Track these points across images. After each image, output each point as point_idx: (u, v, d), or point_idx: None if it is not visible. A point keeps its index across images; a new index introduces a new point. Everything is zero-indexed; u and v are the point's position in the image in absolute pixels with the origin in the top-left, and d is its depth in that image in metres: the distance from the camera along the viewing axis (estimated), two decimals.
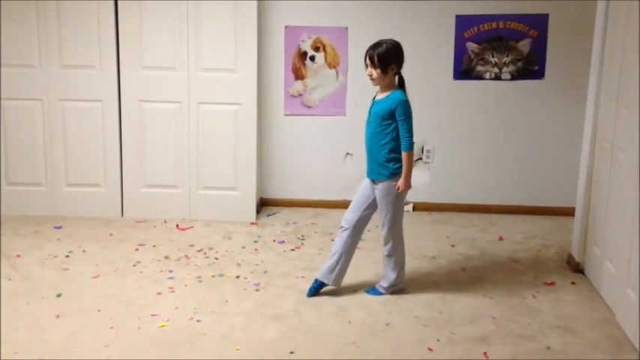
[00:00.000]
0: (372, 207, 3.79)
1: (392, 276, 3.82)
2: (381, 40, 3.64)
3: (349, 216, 3.81)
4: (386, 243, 3.79)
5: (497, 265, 4.35)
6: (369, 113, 3.73)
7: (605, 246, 3.84)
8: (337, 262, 3.80)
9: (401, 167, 3.66)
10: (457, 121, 5.38)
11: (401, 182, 3.66)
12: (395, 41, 3.65)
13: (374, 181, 3.74)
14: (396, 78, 3.69)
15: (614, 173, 3.76)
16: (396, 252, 3.80)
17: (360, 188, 3.84)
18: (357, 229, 3.81)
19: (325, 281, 3.82)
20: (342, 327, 3.46)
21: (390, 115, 3.61)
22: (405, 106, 3.61)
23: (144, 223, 5.03)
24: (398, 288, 3.87)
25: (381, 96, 3.69)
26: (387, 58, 3.58)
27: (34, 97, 5.01)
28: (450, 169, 5.45)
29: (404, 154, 3.64)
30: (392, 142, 3.64)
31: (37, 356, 3.10)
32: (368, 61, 3.62)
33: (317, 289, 3.84)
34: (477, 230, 5.06)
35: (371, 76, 3.64)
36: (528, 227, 5.13)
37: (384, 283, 3.85)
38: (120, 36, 4.93)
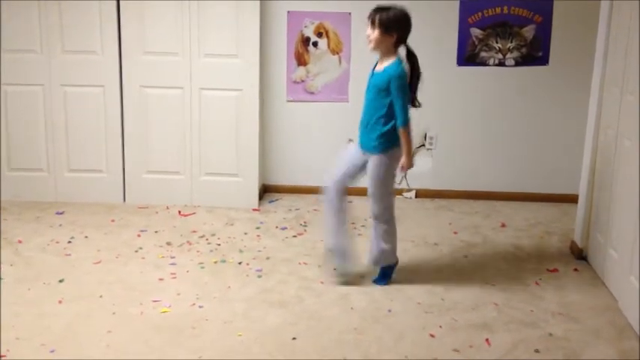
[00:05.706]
0: (357, 175, 3.72)
1: (383, 245, 3.72)
2: (390, 5, 3.55)
3: (333, 187, 3.69)
4: (376, 216, 3.70)
5: (499, 252, 4.35)
6: (368, 84, 3.65)
7: (608, 233, 3.83)
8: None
9: (395, 142, 3.57)
10: (460, 107, 5.36)
11: (403, 160, 3.58)
12: (404, 9, 3.56)
13: (365, 153, 3.66)
14: (406, 51, 3.58)
15: (618, 160, 3.74)
16: (388, 221, 3.70)
17: (347, 154, 3.76)
18: (342, 195, 3.71)
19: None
20: (344, 313, 3.46)
21: (387, 88, 3.52)
22: (399, 82, 3.49)
23: (146, 209, 5.02)
24: (391, 262, 3.78)
25: (380, 68, 3.61)
26: (389, 22, 3.50)
27: (36, 83, 4.99)
28: (453, 156, 5.43)
29: (400, 131, 3.53)
30: (387, 116, 3.55)
31: (39, 342, 3.11)
32: (369, 21, 3.55)
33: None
34: (480, 217, 5.04)
35: (369, 37, 3.56)
36: (531, 214, 5.12)
37: (375, 251, 3.75)
38: (122, 21, 4.90)
